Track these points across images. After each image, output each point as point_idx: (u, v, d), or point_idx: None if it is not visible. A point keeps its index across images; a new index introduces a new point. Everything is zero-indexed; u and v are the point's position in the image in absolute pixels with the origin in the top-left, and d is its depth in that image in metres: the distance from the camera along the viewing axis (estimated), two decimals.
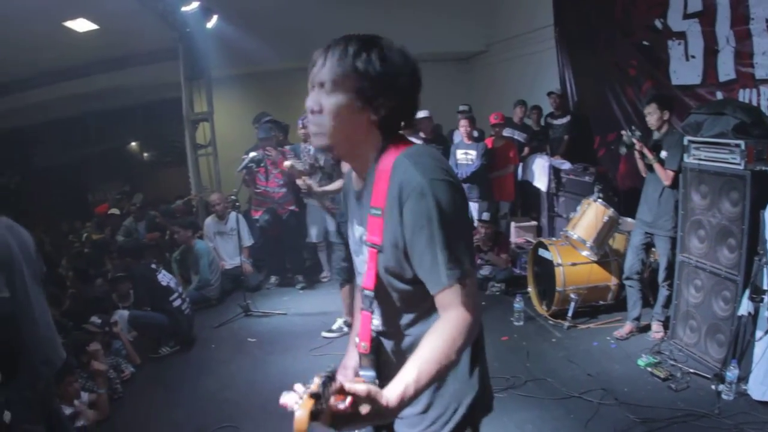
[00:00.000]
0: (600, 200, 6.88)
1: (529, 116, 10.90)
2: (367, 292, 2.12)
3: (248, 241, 9.42)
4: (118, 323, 7.20)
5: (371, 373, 2.12)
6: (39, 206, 17.66)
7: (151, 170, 18.51)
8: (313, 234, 9.24)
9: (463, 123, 9.31)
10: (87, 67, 14.02)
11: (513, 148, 9.80)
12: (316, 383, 1.76)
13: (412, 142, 2.10)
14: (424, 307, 2.12)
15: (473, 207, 9.25)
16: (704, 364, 5.63)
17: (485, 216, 8.43)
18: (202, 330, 7.82)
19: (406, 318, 2.17)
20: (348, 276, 6.97)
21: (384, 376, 2.04)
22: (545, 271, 7.20)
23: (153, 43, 12.28)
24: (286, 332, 7.64)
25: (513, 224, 10.07)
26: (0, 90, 15.12)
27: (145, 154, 19.36)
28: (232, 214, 9.28)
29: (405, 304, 2.14)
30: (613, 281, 6.93)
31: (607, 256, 6.99)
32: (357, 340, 2.23)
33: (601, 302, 7.06)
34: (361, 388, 1.71)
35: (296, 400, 1.77)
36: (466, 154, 9.28)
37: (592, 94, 9.93)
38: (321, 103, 2.02)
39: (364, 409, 1.70)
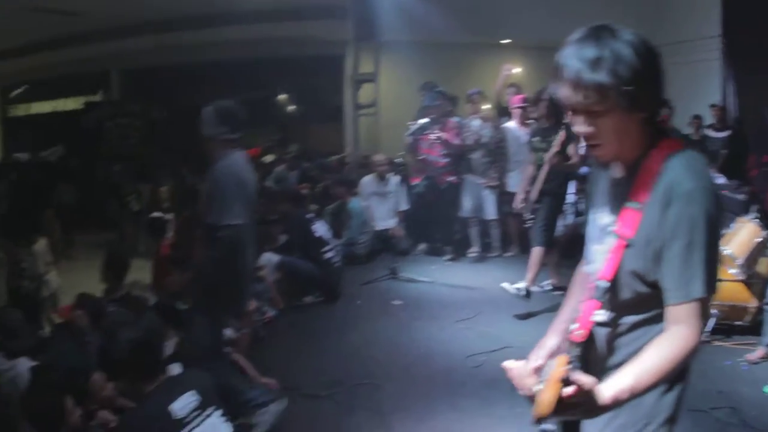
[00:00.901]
0: (756, 220, 6.65)
1: (691, 125, 10.56)
2: (601, 282, 2.07)
3: (404, 205, 9.45)
4: (264, 266, 7.39)
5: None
6: (184, 144, 18.25)
7: (301, 124, 18.79)
8: (467, 208, 9.23)
9: None
10: (244, 15, 14.40)
11: None
12: (562, 368, 1.76)
13: (682, 142, 2.03)
14: (655, 313, 2.05)
15: None
16: None
17: None
18: (349, 285, 7.94)
19: (632, 318, 2.11)
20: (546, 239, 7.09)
21: (586, 369, 2.01)
22: None
23: None
24: (433, 300, 7.66)
25: None
26: (147, 29, 15.71)
27: (295, 108, 19.65)
28: (393, 177, 9.33)
29: (636, 304, 2.09)
30: (752, 303, 6.67)
31: (752, 278, 6.74)
32: (571, 325, 2.17)
33: (738, 323, 6.81)
34: (588, 381, 1.72)
35: (536, 382, 1.79)
36: None
37: (754, 112, 9.58)
38: (594, 127, 1.95)
39: (581, 401, 1.73)
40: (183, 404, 3.17)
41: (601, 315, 2.12)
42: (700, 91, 10.94)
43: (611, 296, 2.09)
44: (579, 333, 2.10)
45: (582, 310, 2.15)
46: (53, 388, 3.71)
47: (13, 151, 19.83)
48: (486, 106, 8.75)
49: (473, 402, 5.13)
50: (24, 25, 15.18)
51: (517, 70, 9.31)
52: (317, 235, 7.81)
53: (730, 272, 6.59)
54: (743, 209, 7.23)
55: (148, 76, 18.69)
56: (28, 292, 7.32)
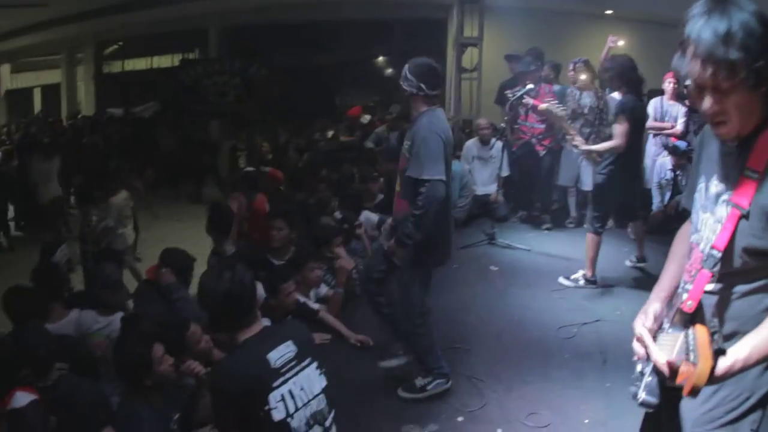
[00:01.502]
0: None
1: None
2: (715, 252, 2.06)
3: (506, 171, 9.33)
4: (362, 224, 7.47)
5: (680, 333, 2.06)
6: (283, 102, 18.48)
7: (398, 86, 18.80)
8: (565, 177, 9.15)
9: None
10: None
11: None
12: (708, 338, 1.78)
13: None
14: (765, 282, 2.05)
15: None
16: None
17: None
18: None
19: (744, 287, 2.08)
20: (596, 227, 6.86)
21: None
22: None
23: None
24: (529, 268, 7.67)
25: None
26: None
27: (395, 70, 19.65)
28: (497, 142, 9.28)
29: (749, 273, 2.06)
30: None
31: None
32: (681, 294, 2.19)
33: None
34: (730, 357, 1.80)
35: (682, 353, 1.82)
36: None
37: None
38: (720, 105, 1.94)
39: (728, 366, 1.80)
40: (279, 354, 3.20)
41: (711, 284, 2.12)
42: None
43: (722, 266, 2.07)
44: (689, 304, 2.09)
45: (691, 280, 2.14)
46: (141, 337, 3.78)
47: (106, 106, 20.39)
48: (588, 76, 8.53)
49: (563, 373, 5.17)
50: None
51: (621, 42, 9.09)
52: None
53: None
54: None
55: (247, 34, 19.04)
56: (95, 246, 7.51)
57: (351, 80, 19.92)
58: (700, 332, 1.89)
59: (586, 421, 4.50)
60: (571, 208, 9.51)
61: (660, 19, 12.71)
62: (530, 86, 8.22)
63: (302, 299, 5.76)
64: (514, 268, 7.66)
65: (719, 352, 1.79)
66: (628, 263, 7.70)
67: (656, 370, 2.03)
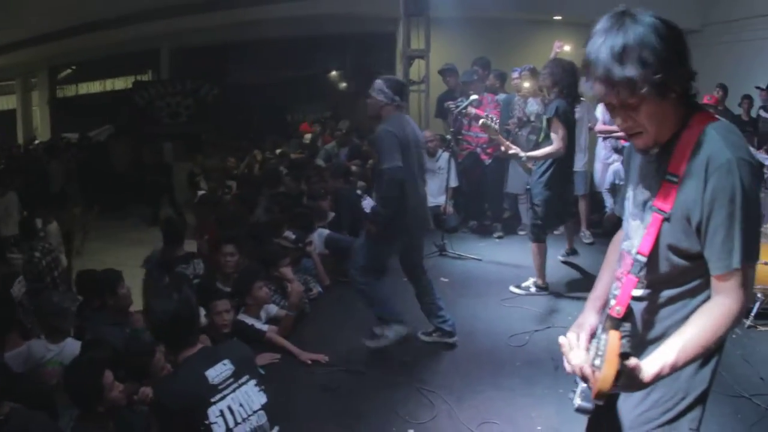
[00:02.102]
0: None
1: (741, 105, 10.35)
2: (640, 257, 2.11)
3: (454, 182, 9.35)
4: (313, 242, 7.44)
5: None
6: (235, 121, 18.47)
7: (353, 100, 18.85)
8: (514, 185, 9.17)
9: None
10: None
11: None
12: (618, 343, 1.79)
13: (716, 116, 2.04)
14: (693, 286, 2.09)
15: None
16: None
17: None
18: (396, 262, 7.95)
19: (670, 292, 2.13)
20: (540, 235, 6.92)
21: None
22: None
23: None
24: (479, 278, 7.67)
25: None
26: (210, 6, 15.85)
27: (349, 84, 19.72)
28: (444, 154, 9.28)
29: (673, 277, 2.11)
30: None
31: None
32: (611, 302, 2.20)
33: None
34: (634, 360, 1.84)
35: (590, 358, 1.86)
36: None
37: None
38: (633, 119, 2.01)
39: (623, 378, 1.83)
40: (217, 372, 3.33)
41: (639, 290, 2.17)
42: (755, 70, 10.68)
43: (649, 271, 2.13)
44: (617, 309, 2.11)
45: (619, 286, 2.18)
46: (92, 364, 3.76)
47: (62, 131, 20.24)
48: (533, 83, 8.59)
49: (515, 381, 5.17)
50: (69, 7, 15.47)
51: (567, 47, 9.16)
52: (366, 211, 7.83)
53: None
54: None
55: (198, 54, 18.98)
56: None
57: (302, 96, 19.95)
58: (611, 337, 1.91)
59: (539, 428, 4.49)
60: (523, 216, 9.51)
61: None
62: (474, 97, 8.26)
63: (250, 321, 5.77)
64: (464, 278, 7.65)
65: (624, 356, 1.81)
66: (559, 257, 7.92)
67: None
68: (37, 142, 20.57)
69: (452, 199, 9.49)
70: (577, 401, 2.16)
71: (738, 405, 4.84)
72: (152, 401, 3.68)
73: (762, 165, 8.67)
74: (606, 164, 9.64)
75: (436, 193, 9.41)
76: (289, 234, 7.23)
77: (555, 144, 6.56)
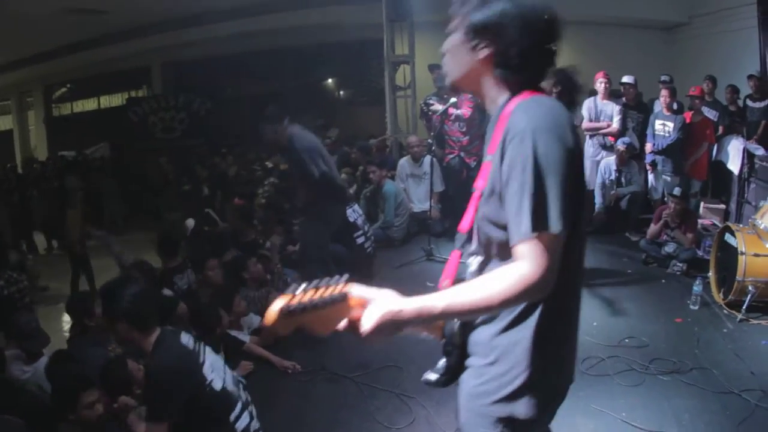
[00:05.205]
0: None
1: (725, 95, 10.32)
2: (459, 234, 2.18)
3: (439, 186, 9.37)
4: (290, 248, 7.52)
5: None
6: (229, 134, 18.51)
7: (345, 108, 18.86)
8: None
9: (664, 93, 9.02)
10: (283, 3, 14.51)
11: (710, 125, 9.35)
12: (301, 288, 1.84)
13: (541, 92, 2.08)
14: None
15: (666, 180, 9.05)
16: None
17: (676, 191, 7.99)
18: (382, 269, 7.97)
19: (497, 265, 2.05)
20: None
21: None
22: (728, 257, 6.74)
23: None
24: None
25: (702, 204, 9.55)
26: (186, 22, 15.90)
27: (341, 92, 19.74)
28: (427, 158, 9.25)
29: (498, 251, 2.10)
30: None
31: None
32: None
33: None
34: (371, 293, 1.97)
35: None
36: (663, 125, 8.97)
37: None
38: (446, 49, 2.16)
39: (377, 311, 1.89)
40: (187, 338, 3.78)
41: (474, 266, 2.20)
42: (742, 59, 10.64)
43: (474, 246, 2.19)
44: (445, 283, 2.15)
45: (448, 261, 2.23)
46: (65, 379, 3.91)
47: (59, 149, 20.32)
48: None
49: None
50: (61, 26, 15.55)
51: None
52: (351, 219, 7.84)
53: (767, 246, 6.42)
54: None
55: (190, 69, 19.02)
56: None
57: (295, 106, 19.92)
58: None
59: None
60: None
61: (597, 19, 12.94)
62: (453, 99, 8.27)
63: (233, 333, 5.85)
64: None
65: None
66: None
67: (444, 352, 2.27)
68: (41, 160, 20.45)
69: (439, 204, 9.49)
70: (427, 375, 2.30)
71: (727, 401, 4.83)
72: (149, 374, 3.72)
73: (752, 154, 8.70)
74: (594, 161, 9.64)
75: (423, 198, 9.43)
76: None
77: None
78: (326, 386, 5.36)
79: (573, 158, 1.90)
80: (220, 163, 15.03)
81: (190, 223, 8.97)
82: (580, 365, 5.41)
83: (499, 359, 2.11)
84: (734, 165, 9.27)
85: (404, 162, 9.99)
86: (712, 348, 5.82)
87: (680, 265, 7.77)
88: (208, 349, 3.92)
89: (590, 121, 9.43)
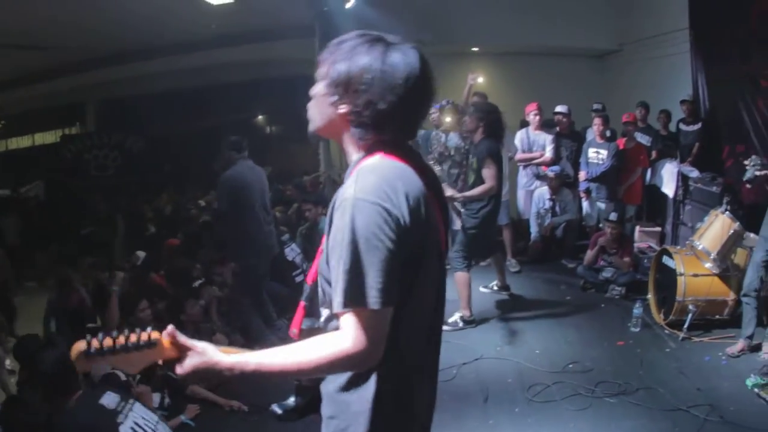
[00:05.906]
0: (728, 212, 6.59)
1: (658, 120, 10.57)
2: (306, 285, 2.27)
3: None
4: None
5: None
6: (158, 173, 18.34)
7: (277, 145, 18.79)
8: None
9: (597, 122, 9.20)
10: (215, 40, 14.40)
11: (643, 151, 9.59)
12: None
13: (391, 153, 2.00)
14: None
15: (600, 207, 9.18)
16: None
17: (613, 216, 8.14)
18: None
19: (336, 322, 2.00)
20: (468, 264, 7.04)
21: None
22: (666, 278, 6.94)
23: (288, 19, 12.54)
24: None
25: (638, 228, 9.74)
26: (120, 59, 15.73)
27: (273, 128, 19.71)
28: None
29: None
30: (731, 296, 6.59)
31: (728, 271, 6.66)
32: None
33: (717, 316, 6.74)
34: (191, 341, 1.99)
35: None
36: (597, 153, 9.14)
37: (724, 103, 9.54)
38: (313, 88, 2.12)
39: (193, 360, 1.96)
40: (109, 400, 3.73)
41: (320, 318, 2.17)
42: (674, 84, 10.86)
43: (323, 297, 2.12)
44: (294, 332, 2.24)
45: (296, 311, 2.28)
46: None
47: None
48: (454, 118, 8.56)
49: (444, 416, 5.02)
50: None
51: (481, 79, 9.27)
52: (289, 258, 7.80)
53: (706, 266, 6.58)
54: (717, 201, 7.21)
55: (123, 106, 18.77)
56: None
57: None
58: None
59: None
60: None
61: (528, 49, 13.16)
62: None
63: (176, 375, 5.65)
64: None
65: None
66: (484, 290, 8.03)
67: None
68: None
69: None
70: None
71: (676, 418, 4.93)
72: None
73: (687, 177, 8.91)
74: (528, 191, 9.79)
75: None
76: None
77: (488, 182, 6.76)
78: (275, 424, 5.25)
79: (402, 230, 1.85)
80: (157, 201, 14.80)
81: (141, 254, 8.73)
82: (525, 393, 5.48)
83: (338, 415, 2.09)
84: (669, 188, 9.45)
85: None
86: (657, 368, 5.91)
87: (619, 288, 7.90)
88: (137, 407, 3.92)
89: (523, 152, 9.56)
